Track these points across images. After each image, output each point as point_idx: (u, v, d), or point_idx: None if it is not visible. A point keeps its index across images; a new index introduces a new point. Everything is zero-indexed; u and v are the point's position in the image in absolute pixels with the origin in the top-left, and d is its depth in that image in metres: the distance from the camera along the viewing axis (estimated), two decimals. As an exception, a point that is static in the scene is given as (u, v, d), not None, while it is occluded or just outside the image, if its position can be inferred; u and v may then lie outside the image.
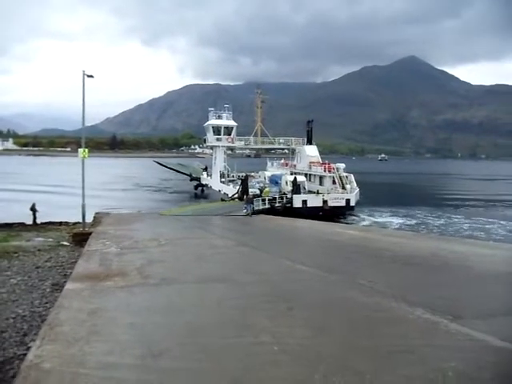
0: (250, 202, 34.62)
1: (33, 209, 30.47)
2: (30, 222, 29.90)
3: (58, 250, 19.99)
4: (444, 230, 38.25)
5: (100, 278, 12.33)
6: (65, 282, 13.14)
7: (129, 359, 7.01)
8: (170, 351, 7.32)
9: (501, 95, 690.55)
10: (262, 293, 10.99)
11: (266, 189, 42.90)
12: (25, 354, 7.97)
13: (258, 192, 42.59)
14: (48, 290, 13.47)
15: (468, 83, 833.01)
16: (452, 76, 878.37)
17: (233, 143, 56.09)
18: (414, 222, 42.27)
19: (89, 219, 26.12)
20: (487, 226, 39.71)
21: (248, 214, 32.61)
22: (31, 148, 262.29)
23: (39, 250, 19.74)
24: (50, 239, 23.29)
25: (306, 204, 39.18)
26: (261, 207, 36.54)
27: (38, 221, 30.32)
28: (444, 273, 13.35)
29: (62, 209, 38.62)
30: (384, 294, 10.61)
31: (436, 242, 21.19)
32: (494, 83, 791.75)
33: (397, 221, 42.35)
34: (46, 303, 12.00)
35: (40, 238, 23.48)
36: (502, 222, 41.79)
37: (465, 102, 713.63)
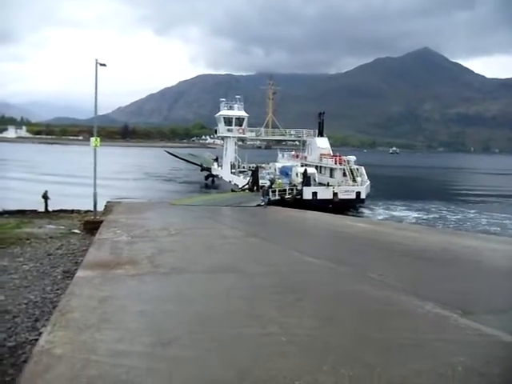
0: (266, 193, 34.98)
1: (45, 196, 30.73)
2: (42, 209, 30.21)
3: (69, 238, 20.18)
4: (456, 224, 37.97)
5: (111, 266, 12.44)
6: (76, 269, 13.27)
7: (139, 347, 7.08)
8: (179, 340, 7.37)
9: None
10: (270, 284, 11.02)
11: (279, 180, 42.82)
12: (36, 340, 8.07)
13: (268, 183, 42.60)
14: (59, 277, 13.61)
15: (482, 76, 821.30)
16: (466, 68, 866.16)
17: (244, 134, 55.98)
18: (425, 215, 41.98)
19: (100, 208, 26.32)
20: (500, 221, 39.32)
21: (264, 205, 33.13)
22: (44, 136, 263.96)
23: (51, 238, 19.93)
24: (62, 227, 23.50)
25: (316, 196, 39.10)
26: (271, 198, 36.53)
27: (50, 208, 30.61)
28: (455, 267, 13.26)
29: (74, 197, 38.93)
30: (394, 288, 10.57)
31: (448, 237, 21.06)
32: (509, 76, 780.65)
33: (408, 214, 42.12)
34: (58, 290, 12.13)
35: (52, 226, 23.71)
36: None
37: (478, 96, 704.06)
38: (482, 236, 24.30)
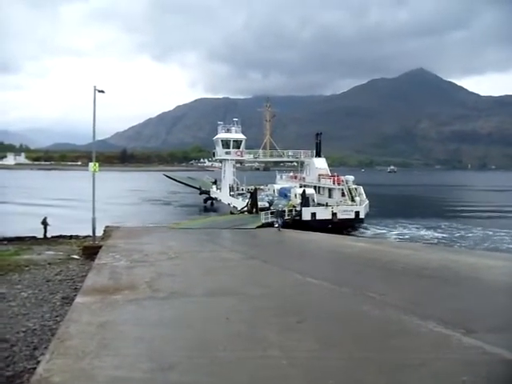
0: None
1: (44, 222, 30.76)
2: (41, 235, 30.16)
3: (68, 264, 20.09)
4: (454, 241, 37.88)
5: (110, 291, 12.36)
6: (75, 295, 13.18)
7: (138, 373, 7.01)
8: (179, 365, 7.30)
9: (510, 106, 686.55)
10: (271, 306, 10.95)
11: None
12: (35, 368, 7.97)
13: (267, 205, 42.52)
14: (58, 303, 13.51)
15: (476, 94, 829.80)
16: (460, 87, 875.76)
17: (242, 156, 56.22)
18: (423, 233, 41.91)
19: (99, 233, 26.26)
20: (497, 237, 39.27)
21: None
22: (43, 162, 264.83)
23: (50, 264, 19.84)
24: (61, 253, 23.42)
25: (315, 216, 39.03)
26: (270, 220, 36.47)
27: (49, 234, 30.57)
28: (455, 285, 13.21)
29: (73, 222, 38.85)
30: (395, 307, 10.51)
31: (447, 254, 20.99)
32: (502, 94, 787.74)
33: (407, 233, 42.04)
34: (57, 317, 12.03)
35: (51, 252, 23.63)
36: (510, 233, 41.31)
37: (473, 113, 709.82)
38: (481, 253, 24.25)
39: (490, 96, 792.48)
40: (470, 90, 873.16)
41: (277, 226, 32.40)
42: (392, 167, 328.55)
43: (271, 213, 37.16)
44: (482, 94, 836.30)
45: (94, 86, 23.54)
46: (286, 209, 38.88)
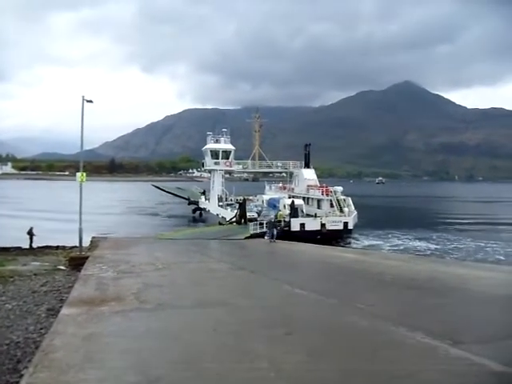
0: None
1: (30, 233, 30.39)
2: (26, 246, 29.78)
3: (54, 275, 19.83)
4: (442, 252, 38.10)
5: (96, 302, 12.20)
6: (61, 306, 12.99)
7: (124, 386, 6.89)
8: (165, 377, 7.20)
9: (496, 118, 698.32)
10: (259, 317, 10.88)
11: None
12: (17, 382, 7.82)
13: (255, 215, 42.47)
14: (43, 315, 13.30)
15: (464, 107, 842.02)
16: (447, 100, 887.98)
17: (231, 167, 56.26)
18: (412, 244, 42.14)
19: (86, 243, 26.01)
20: (485, 248, 39.61)
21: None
22: (29, 172, 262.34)
23: (35, 275, 19.57)
24: (47, 263, 23.13)
25: (303, 227, 39.06)
26: (258, 231, 36.42)
27: (35, 245, 30.19)
28: (443, 296, 13.25)
29: (60, 233, 38.46)
30: (383, 318, 10.50)
31: (435, 265, 21.10)
32: (489, 107, 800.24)
33: (395, 243, 42.24)
34: (41, 329, 11.83)
35: (36, 263, 23.32)
36: (499, 244, 41.71)
37: (461, 126, 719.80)
38: (469, 264, 24.43)
39: (477, 108, 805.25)
40: (458, 102, 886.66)
41: (267, 237, 31.71)
42: (380, 178, 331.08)
43: (260, 224, 37.09)
44: (469, 106, 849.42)
45: (83, 96, 23.51)
46: (273, 219, 38.52)
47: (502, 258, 35.60)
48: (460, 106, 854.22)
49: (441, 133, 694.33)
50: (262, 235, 35.34)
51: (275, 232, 31.60)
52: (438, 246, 41.16)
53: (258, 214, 43.03)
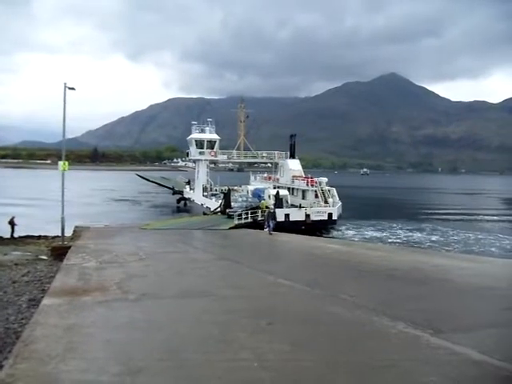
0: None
1: (11, 222, 29.97)
2: (7, 235, 29.37)
3: (35, 264, 19.60)
4: (424, 243, 38.62)
5: (78, 292, 12.08)
6: (42, 297, 12.84)
7: (106, 377, 6.83)
8: (148, 368, 7.15)
9: (479, 111, 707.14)
10: (242, 308, 10.89)
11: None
12: (-3, 373, 7.70)
13: (244, 205, 42.40)
14: (24, 305, 13.14)
15: (447, 99, 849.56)
16: (432, 92, 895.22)
17: (216, 157, 56.14)
18: (395, 235, 42.64)
19: (68, 233, 25.73)
20: (470, 240, 40.25)
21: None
22: (10, 160, 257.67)
23: (16, 264, 19.32)
24: (28, 253, 22.85)
25: (288, 218, 39.24)
26: (243, 221, 36.43)
27: (16, 234, 29.80)
28: (425, 286, 13.41)
29: (41, 223, 38.00)
30: (365, 308, 10.59)
31: (417, 256, 21.35)
32: (472, 99, 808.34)
33: (378, 234, 42.68)
34: (22, 319, 11.69)
35: (18, 252, 23.03)
36: (480, 235, 42.42)
37: (444, 118, 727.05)
38: (450, 254, 24.78)
39: (461, 101, 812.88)
40: (442, 95, 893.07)
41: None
42: (365, 170, 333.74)
43: (239, 214, 37.02)
44: (453, 99, 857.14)
45: (65, 83, 23.09)
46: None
47: (482, 249, 36.23)
48: (444, 98, 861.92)
49: (425, 125, 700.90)
50: (246, 226, 35.38)
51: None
52: (421, 237, 41.71)
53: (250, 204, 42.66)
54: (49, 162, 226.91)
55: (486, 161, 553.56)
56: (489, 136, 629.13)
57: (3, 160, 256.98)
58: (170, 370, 7.15)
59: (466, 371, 7.06)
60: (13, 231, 29.93)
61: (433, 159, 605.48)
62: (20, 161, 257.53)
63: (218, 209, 43.71)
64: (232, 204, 42.63)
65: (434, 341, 8.36)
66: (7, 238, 28.78)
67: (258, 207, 40.20)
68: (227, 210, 40.70)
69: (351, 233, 43.20)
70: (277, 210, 39.14)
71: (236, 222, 36.00)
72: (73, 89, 23.42)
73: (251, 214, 38.04)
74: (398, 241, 39.46)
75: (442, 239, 40.71)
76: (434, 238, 41.55)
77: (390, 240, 39.69)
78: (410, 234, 43.71)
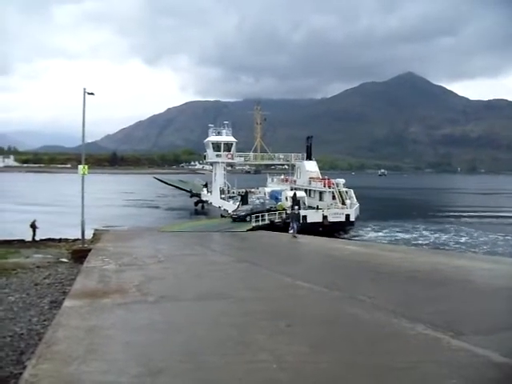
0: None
1: (33, 225, 30.49)
2: (29, 238, 29.88)
3: (56, 267, 19.90)
4: (444, 244, 38.12)
5: (98, 295, 12.25)
6: (63, 299, 13.04)
7: (126, 378, 6.92)
8: (167, 370, 7.22)
9: (499, 110, 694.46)
10: (260, 309, 10.91)
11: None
12: (21, 373, 7.86)
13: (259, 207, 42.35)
14: (46, 307, 13.37)
15: (466, 98, 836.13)
16: (450, 91, 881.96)
17: (232, 159, 56.31)
18: (414, 236, 42.16)
19: (88, 236, 26.07)
20: (488, 240, 39.60)
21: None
22: (32, 165, 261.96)
23: (38, 267, 19.64)
24: (49, 256, 23.22)
25: (305, 220, 39.09)
26: (260, 223, 36.44)
27: (38, 238, 30.30)
28: (445, 288, 13.24)
29: (62, 226, 38.56)
30: (385, 310, 10.51)
31: (437, 257, 21.08)
32: (491, 98, 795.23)
33: (397, 236, 42.27)
34: (44, 321, 11.90)
35: (39, 255, 23.42)
36: (502, 236, 41.69)
37: (463, 117, 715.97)
38: (471, 255, 24.43)
39: (479, 100, 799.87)
40: (460, 94, 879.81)
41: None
42: (382, 170, 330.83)
43: (255, 216, 36.98)
44: (472, 98, 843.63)
45: (84, 89, 23.42)
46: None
47: (503, 250, 35.59)
48: (462, 97, 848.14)
49: (443, 124, 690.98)
50: (264, 227, 35.37)
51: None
52: (440, 238, 41.18)
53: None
54: (69, 166, 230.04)
55: (506, 160, 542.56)
56: (509, 134, 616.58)
57: (25, 165, 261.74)
58: (189, 371, 7.21)
59: (487, 374, 6.97)
60: (34, 234, 30.44)
61: (451, 159, 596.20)
62: (41, 165, 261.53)
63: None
64: (239, 206, 42.69)
65: (454, 343, 8.25)
66: (29, 241, 29.29)
67: (268, 210, 40.04)
68: (231, 213, 40.76)
69: (369, 234, 42.91)
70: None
71: (254, 224, 36.03)
72: (92, 94, 23.75)
73: (268, 215, 38.03)
74: (417, 242, 38.99)
75: (470, 241, 40.09)
76: (453, 238, 41.01)
77: (408, 241, 39.25)
78: (429, 234, 43.24)
